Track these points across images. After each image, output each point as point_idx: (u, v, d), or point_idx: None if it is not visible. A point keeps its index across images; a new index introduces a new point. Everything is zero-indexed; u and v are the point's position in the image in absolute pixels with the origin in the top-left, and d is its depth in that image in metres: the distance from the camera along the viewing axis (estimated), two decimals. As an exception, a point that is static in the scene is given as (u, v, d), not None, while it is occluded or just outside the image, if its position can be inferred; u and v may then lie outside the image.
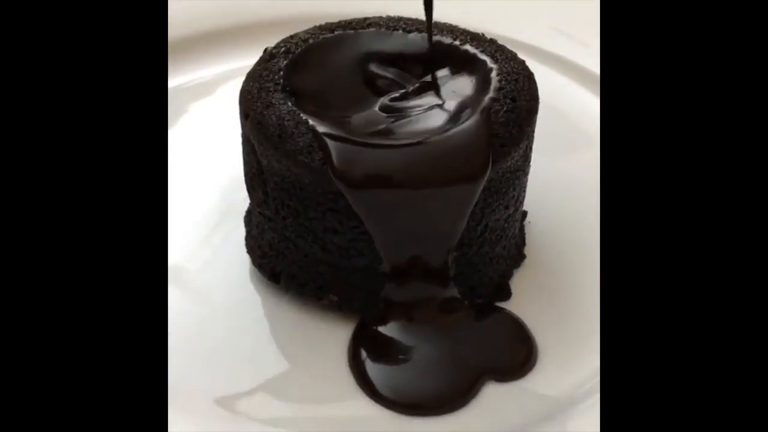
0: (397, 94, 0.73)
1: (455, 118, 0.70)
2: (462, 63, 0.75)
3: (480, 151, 0.69)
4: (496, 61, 0.74)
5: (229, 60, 0.94)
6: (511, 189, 0.74)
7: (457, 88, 0.73)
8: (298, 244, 0.73)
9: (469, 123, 0.69)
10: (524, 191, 0.77)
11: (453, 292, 0.74)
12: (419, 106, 0.72)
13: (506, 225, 0.75)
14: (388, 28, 0.78)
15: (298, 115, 0.70)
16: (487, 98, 0.71)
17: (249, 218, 0.80)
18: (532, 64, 0.77)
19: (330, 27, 0.78)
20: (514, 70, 0.74)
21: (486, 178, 0.69)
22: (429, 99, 0.73)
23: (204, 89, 0.96)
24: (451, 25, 0.79)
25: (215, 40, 0.98)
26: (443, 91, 0.73)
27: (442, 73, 0.75)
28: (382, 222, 0.69)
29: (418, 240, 0.71)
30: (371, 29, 0.78)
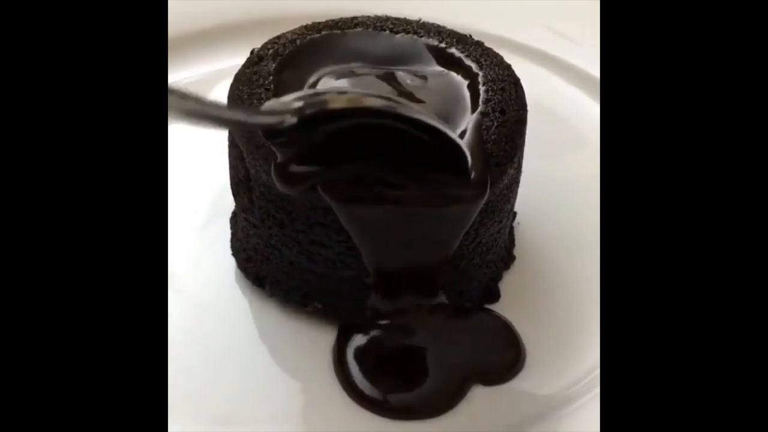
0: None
1: None
2: (448, 68, 0.74)
3: (479, 172, 0.67)
4: (481, 66, 0.73)
5: (221, 59, 0.93)
6: (507, 203, 0.73)
7: (444, 97, 0.72)
8: (283, 252, 0.73)
9: (465, 141, 0.68)
10: (516, 198, 0.76)
11: (441, 298, 0.73)
12: None
13: (498, 235, 0.75)
14: (375, 28, 0.77)
15: None
16: (476, 114, 0.70)
17: (235, 220, 0.79)
18: (525, 64, 0.77)
19: (317, 27, 0.77)
20: (500, 77, 0.73)
21: (485, 200, 0.67)
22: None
23: (197, 88, 0.93)
24: (437, 26, 0.78)
25: (206, 38, 0.97)
26: (430, 100, 0.71)
27: (430, 79, 0.73)
28: (371, 238, 0.68)
29: (408, 256, 0.70)
30: (358, 29, 0.77)
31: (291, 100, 0.62)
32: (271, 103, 0.62)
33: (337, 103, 0.62)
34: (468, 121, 0.69)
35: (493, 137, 0.69)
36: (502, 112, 0.70)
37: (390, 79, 0.73)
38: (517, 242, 0.81)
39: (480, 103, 0.70)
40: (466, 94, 0.72)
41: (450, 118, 0.69)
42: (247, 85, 0.72)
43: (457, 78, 0.73)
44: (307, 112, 0.61)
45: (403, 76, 0.73)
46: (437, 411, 0.70)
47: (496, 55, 0.76)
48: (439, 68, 0.74)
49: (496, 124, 0.70)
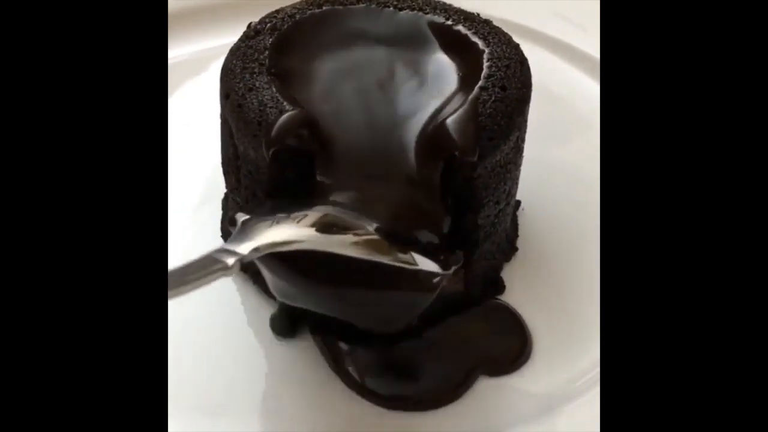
0: (384, 81, 0.70)
1: (441, 113, 0.67)
2: (454, 45, 0.72)
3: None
4: (488, 44, 0.71)
5: (221, 35, 0.88)
6: (502, 183, 0.71)
7: (447, 74, 0.70)
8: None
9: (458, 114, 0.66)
10: (516, 184, 0.74)
11: None
12: (406, 98, 0.69)
13: (497, 221, 0.73)
14: (378, 4, 0.74)
15: (282, 102, 0.66)
16: (476, 88, 0.68)
17: (226, 201, 0.77)
18: (530, 48, 0.75)
19: (318, 2, 0.74)
20: (506, 54, 0.71)
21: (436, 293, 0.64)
22: (416, 87, 0.69)
23: (194, 65, 0.93)
24: (444, 3, 0.75)
25: (205, 13, 0.95)
26: (432, 77, 0.70)
27: (433, 56, 0.71)
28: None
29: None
30: (360, 5, 0.74)
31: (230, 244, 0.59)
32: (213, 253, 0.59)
33: (271, 247, 0.59)
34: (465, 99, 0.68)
35: (488, 111, 0.67)
36: (503, 88, 0.69)
37: (388, 61, 0.70)
38: (520, 231, 0.79)
39: (481, 77, 0.69)
40: (468, 71, 0.70)
41: (451, 96, 0.68)
42: (240, 59, 0.70)
43: (461, 56, 0.71)
44: (246, 261, 0.58)
45: (401, 57, 0.71)
46: (442, 402, 0.67)
47: (505, 34, 0.74)
48: (442, 46, 0.72)
49: (493, 98, 0.68)
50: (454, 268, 0.64)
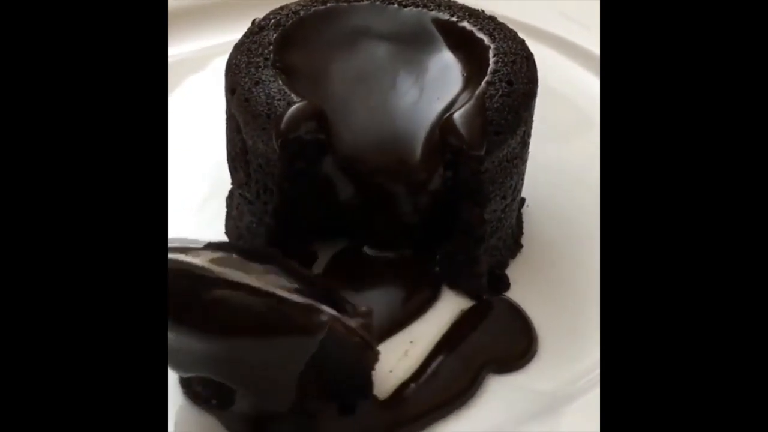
0: (389, 76, 0.71)
1: (447, 108, 0.68)
2: (459, 41, 0.72)
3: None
4: (493, 40, 0.72)
5: (221, 32, 0.89)
6: (509, 178, 0.71)
7: (453, 69, 0.71)
8: (276, 230, 0.70)
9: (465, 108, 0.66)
10: (522, 179, 0.74)
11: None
12: (411, 92, 0.70)
13: (503, 215, 0.73)
14: (382, 0, 0.74)
15: (289, 95, 0.67)
16: (483, 83, 0.68)
17: (231, 199, 0.77)
18: (533, 45, 0.75)
19: (322, -2, 0.75)
20: (512, 50, 0.71)
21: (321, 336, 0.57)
22: (422, 83, 0.70)
23: (196, 62, 0.93)
24: (448, 0, 0.75)
25: (209, 10, 0.95)
26: (438, 72, 0.71)
27: (438, 52, 0.72)
28: None
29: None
30: (365, 2, 0.74)
31: None
32: None
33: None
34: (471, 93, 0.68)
35: (495, 105, 0.68)
36: (510, 83, 0.69)
37: (393, 58, 0.71)
38: (525, 229, 0.78)
39: (488, 73, 0.69)
40: (475, 66, 0.70)
41: (458, 91, 0.69)
42: (245, 54, 0.71)
43: (467, 52, 0.71)
44: None
45: (406, 53, 0.71)
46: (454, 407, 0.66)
47: (510, 30, 0.74)
48: (448, 42, 0.72)
49: (500, 93, 0.68)
50: (357, 320, 0.59)
